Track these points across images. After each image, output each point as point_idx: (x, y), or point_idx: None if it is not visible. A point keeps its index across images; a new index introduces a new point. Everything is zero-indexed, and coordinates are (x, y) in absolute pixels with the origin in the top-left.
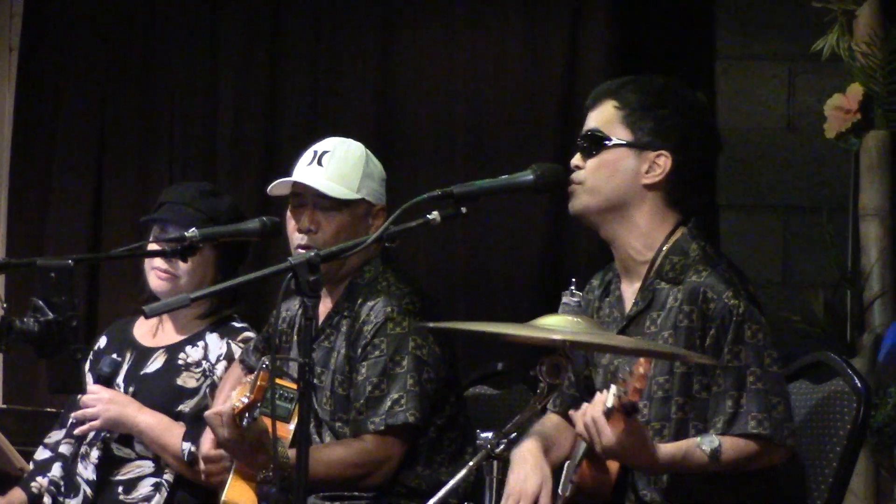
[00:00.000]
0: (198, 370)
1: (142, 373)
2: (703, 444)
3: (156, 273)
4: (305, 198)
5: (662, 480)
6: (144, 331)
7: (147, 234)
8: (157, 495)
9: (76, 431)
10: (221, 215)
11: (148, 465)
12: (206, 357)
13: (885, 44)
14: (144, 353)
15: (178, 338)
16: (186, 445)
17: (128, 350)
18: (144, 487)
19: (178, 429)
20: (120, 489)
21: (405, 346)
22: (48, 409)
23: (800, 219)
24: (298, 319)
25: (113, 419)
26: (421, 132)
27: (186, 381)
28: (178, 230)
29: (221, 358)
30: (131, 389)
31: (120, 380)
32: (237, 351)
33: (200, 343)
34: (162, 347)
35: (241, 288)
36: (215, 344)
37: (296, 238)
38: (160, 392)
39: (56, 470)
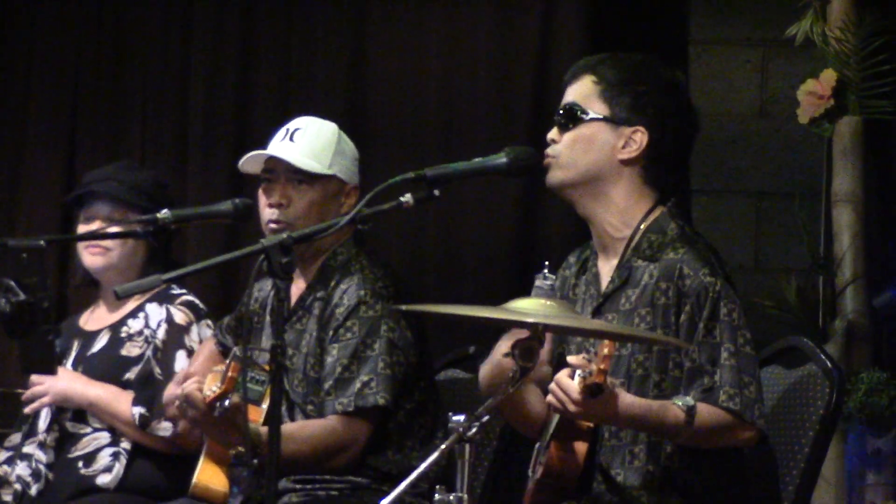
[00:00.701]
0: (140, 338)
1: (88, 353)
2: (677, 401)
3: (88, 250)
4: (277, 173)
5: (638, 460)
6: (87, 318)
7: (74, 217)
8: (117, 464)
9: (26, 410)
10: (144, 183)
11: (104, 436)
12: (147, 325)
13: (858, 29)
14: (90, 337)
15: (120, 315)
16: (136, 409)
17: (75, 338)
18: (103, 459)
19: (127, 396)
20: (80, 464)
21: (377, 329)
22: (20, 391)
23: (772, 204)
24: (271, 300)
25: (61, 393)
26: (393, 115)
27: (130, 350)
28: (105, 204)
29: (162, 322)
30: (80, 369)
31: (69, 365)
32: (176, 314)
33: (141, 314)
34: (105, 327)
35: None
36: (155, 311)
37: (266, 213)
38: (106, 365)
39: (21, 467)
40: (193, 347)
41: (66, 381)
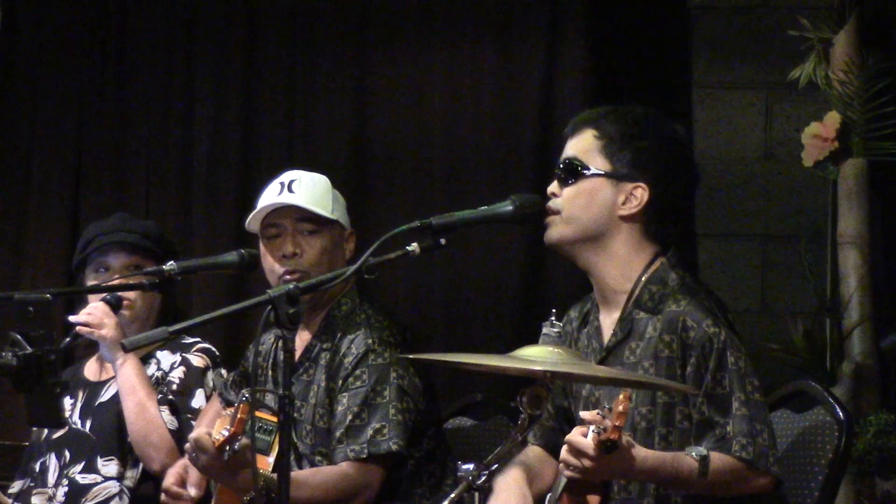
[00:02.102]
0: (151, 381)
1: (97, 403)
2: (692, 452)
3: None
4: (283, 226)
5: None
6: (94, 368)
7: (81, 276)
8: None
9: (77, 329)
10: (152, 231)
11: (114, 486)
12: (159, 368)
13: (861, 71)
14: (96, 388)
15: None
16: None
17: (80, 389)
18: None
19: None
20: None
21: (387, 376)
22: (26, 444)
23: (778, 247)
24: (273, 353)
25: (113, 339)
26: (397, 161)
27: None
28: (120, 255)
29: (177, 365)
30: (88, 423)
31: (76, 417)
32: (193, 359)
33: (152, 360)
34: (112, 377)
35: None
36: (167, 358)
37: (277, 269)
38: (116, 414)
39: None
40: (209, 392)
41: (119, 335)
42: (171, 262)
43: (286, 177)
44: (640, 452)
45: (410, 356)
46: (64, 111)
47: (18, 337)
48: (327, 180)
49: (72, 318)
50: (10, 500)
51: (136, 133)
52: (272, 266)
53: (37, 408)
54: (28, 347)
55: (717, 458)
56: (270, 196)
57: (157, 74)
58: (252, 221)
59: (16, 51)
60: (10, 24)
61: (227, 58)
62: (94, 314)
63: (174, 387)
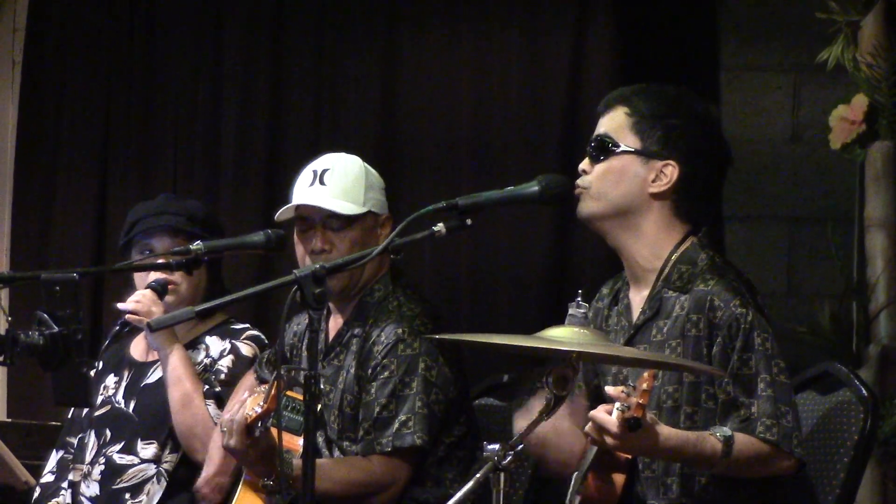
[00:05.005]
0: (199, 367)
1: (142, 385)
2: (716, 432)
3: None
4: (313, 220)
5: (672, 492)
6: (140, 348)
7: (127, 257)
8: (157, 485)
9: (126, 317)
10: (196, 212)
11: (150, 469)
12: (208, 355)
13: (889, 54)
14: (142, 368)
15: None
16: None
17: (125, 369)
18: (150, 489)
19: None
20: (126, 496)
21: (415, 367)
22: (53, 423)
23: (805, 230)
24: (308, 333)
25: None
26: (425, 143)
27: None
28: (164, 238)
29: (226, 353)
30: (132, 403)
31: (119, 396)
32: (242, 347)
33: (201, 346)
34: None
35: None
36: (216, 344)
37: (307, 262)
38: (160, 398)
39: (65, 496)
40: None
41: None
42: (198, 242)
43: (319, 164)
44: (664, 431)
45: (437, 336)
46: (91, 93)
47: (45, 316)
48: (361, 166)
49: (120, 306)
50: (34, 480)
51: (163, 116)
52: (303, 258)
53: (63, 387)
54: (55, 327)
55: (742, 440)
56: (302, 186)
57: (185, 57)
58: (284, 213)
59: (44, 33)
60: (38, 7)
61: (256, 40)
62: (142, 302)
63: (222, 376)
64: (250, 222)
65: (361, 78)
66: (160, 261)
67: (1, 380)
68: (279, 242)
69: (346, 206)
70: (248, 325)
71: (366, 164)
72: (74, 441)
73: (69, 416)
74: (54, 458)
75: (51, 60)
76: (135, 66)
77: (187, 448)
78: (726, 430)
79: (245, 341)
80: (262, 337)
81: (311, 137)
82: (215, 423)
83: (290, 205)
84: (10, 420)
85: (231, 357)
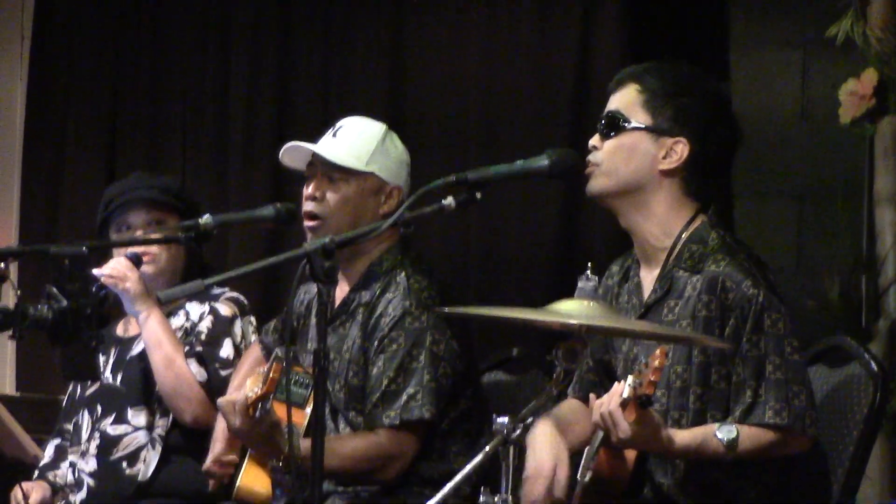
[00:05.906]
0: (180, 332)
1: (127, 357)
2: (719, 433)
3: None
4: (315, 167)
5: (679, 469)
6: (122, 326)
7: (105, 236)
8: (151, 452)
9: (97, 272)
10: (172, 186)
11: (143, 436)
12: (188, 319)
13: None
14: (126, 344)
15: None
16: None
17: (111, 347)
18: (146, 457)
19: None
20: (124, 464)
21: (423, 340)
22: (62, 398)
23: (814, 205)
24: (316, 303)
25: (136, 292)
26: (434, 121)
27: None
28: (141, 212)
29: (205, 315)
30: (119, 377)
31: (107, 373)
32: (221, 308)
33: (180, 312)
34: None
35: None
36: (196, 309)
37: (304, 205)
38: (144, 366)
39: (63, 469)
40: (237, 340)
41: (143, 288)
42: (207, 215)
43: (342, 122)
44: (668, 434)
45: (446, 310)
46: (100, 69)
47: (54, 290)
48: (381, 131)
49: (95, 272)
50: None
51: (171, 92)
52: (303, 203)
53: (72, 361)
54: (64, 301)
55: (747, 435)
56: (322, 139)
57: (193, 34)
58: (291, 158)
59: (52, 9)
60: None
61: (265, 18)
62: (117, 268)
63: (202, 337)
64: (259, 198)
65: (370, 55)
66: (168, 235)
67: (10, 354)
68: (288, 216)
69: (343, 158)
70: (225, 289)
71: (393, 135)
72: (70, 427)
73: (64, 404)
74: (51, 445)
75: (59, 36)
76: (143, 42)
77: (174, 409)
78: (732, 430)
79: (224, 301)
80: (241, 298)
81: (319, 115)
82: (199, 382)
83: (290, 144)
84: (19, 394)
85: (210, 318)
